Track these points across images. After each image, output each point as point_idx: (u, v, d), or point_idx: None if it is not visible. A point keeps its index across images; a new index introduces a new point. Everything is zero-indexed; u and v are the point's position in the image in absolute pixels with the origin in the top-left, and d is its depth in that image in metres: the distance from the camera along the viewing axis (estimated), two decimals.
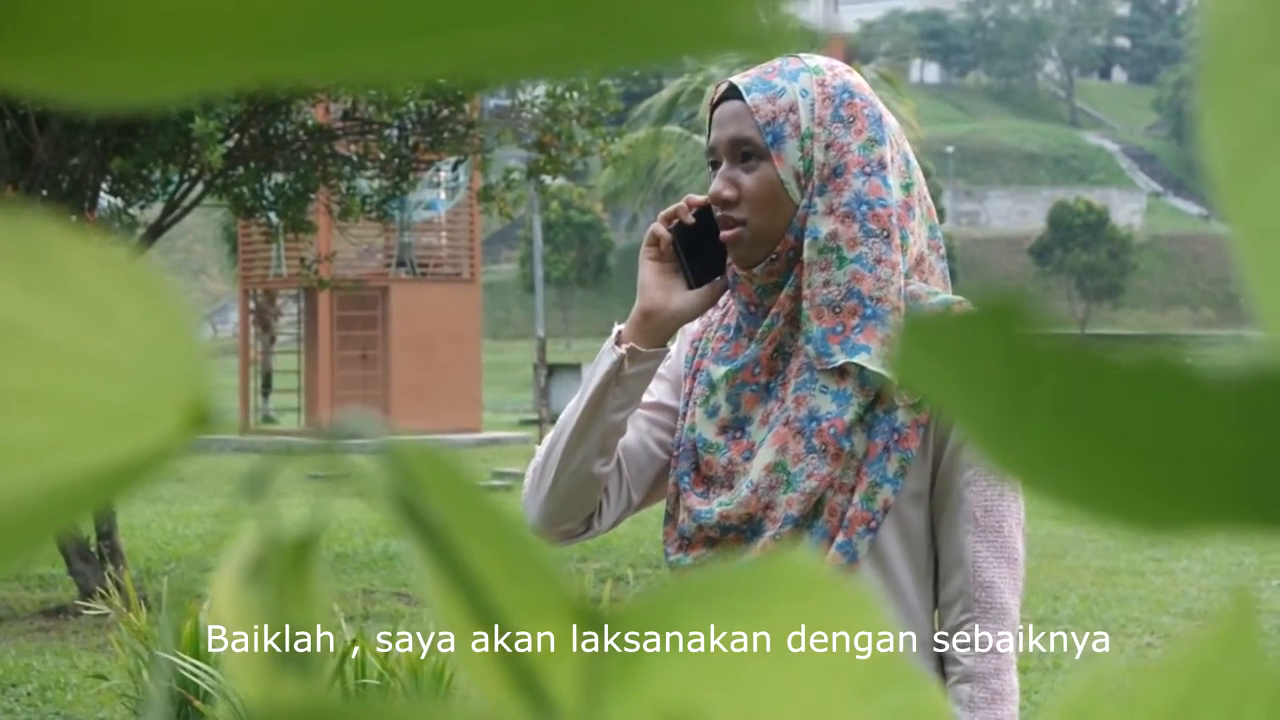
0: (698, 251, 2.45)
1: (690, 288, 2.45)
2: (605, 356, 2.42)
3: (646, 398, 2.51)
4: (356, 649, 6.50)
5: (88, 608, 8.94)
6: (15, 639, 10.18)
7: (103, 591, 8.08)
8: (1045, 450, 0.32)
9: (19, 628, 10.59)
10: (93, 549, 10.99)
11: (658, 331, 2.43)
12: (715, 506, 2.42)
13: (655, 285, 2.44)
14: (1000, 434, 0.32)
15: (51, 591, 11.71)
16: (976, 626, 2.36)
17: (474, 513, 0.38)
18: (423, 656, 6.42)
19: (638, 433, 2.51)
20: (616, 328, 2.46)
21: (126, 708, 7.79)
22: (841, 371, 2.38)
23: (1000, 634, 2.36)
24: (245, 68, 0.34)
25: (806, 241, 2.39)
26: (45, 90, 0.34)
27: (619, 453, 2.48)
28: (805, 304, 2.39)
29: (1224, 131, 0.33)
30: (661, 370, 2.52)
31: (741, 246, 2.41)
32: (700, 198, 2.45)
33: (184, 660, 6.88)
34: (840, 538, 2.37)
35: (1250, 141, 0.33)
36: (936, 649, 2.40)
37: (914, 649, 2.38)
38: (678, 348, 2.56)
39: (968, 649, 2.36)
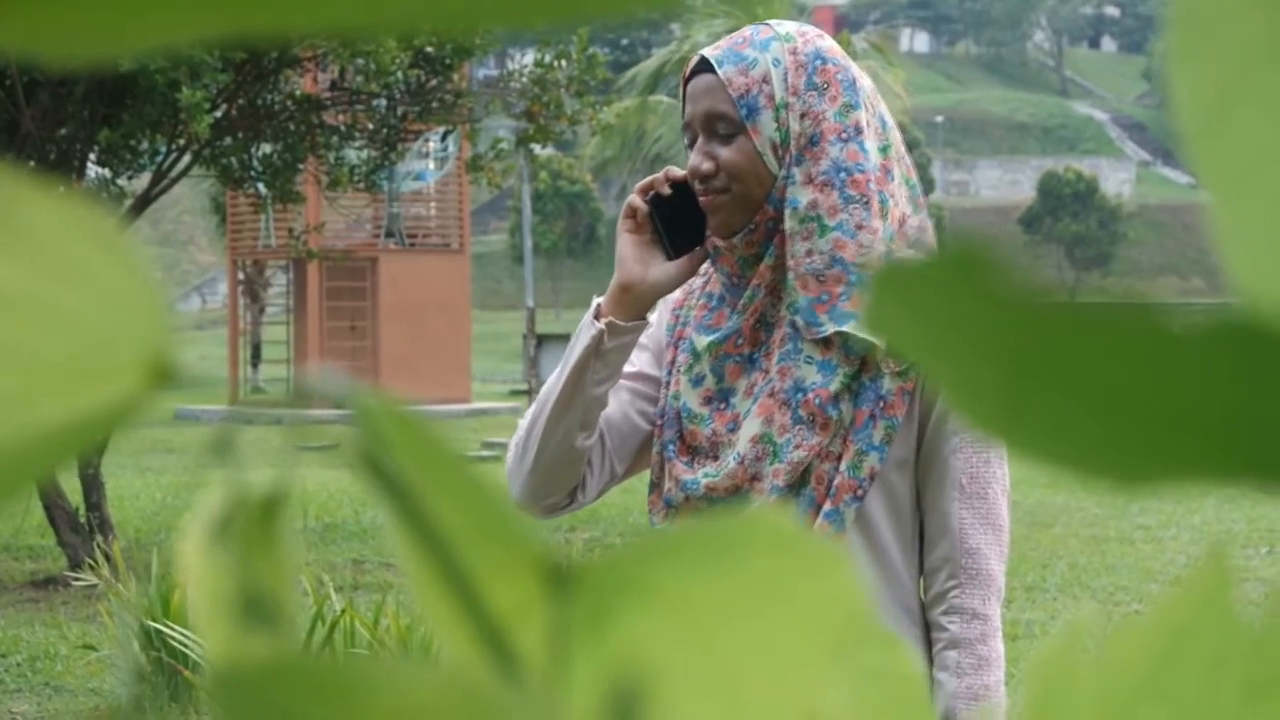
0: (676, 223, 2.44)
1: (669, 259, 2.44)
2: (585, 331, 2.41)
3: (628, 368, 2.50)
4: (345, 619, 6.51)
5: (77, 578, 8.95)
6: (4, 609, 10.19)
7: (92, 562, 8.08)
8: (1017, 402, 0.32)
9: (8, 598, 10.60)
10: (82, 520, 10.99)
11: (636, 304, 2.42)
12: (701, 478, 2.42)
13: (633, 258, 2.43)
14: (972, 386, 0.32)
15: (41, 562, 11.72)
16: (962, 593, 2.37)
17: (442, 470, 0.37)
18: (411, 626, 6.43)
19: (620, 403, 2.50)
20: (595, 301, 2.45)
21: (116, 678, 7.80)
22: (826, 341, 2.37)
23: (986, 600, 2.37)
24: (224, 16, 0.33)
25: (787, 212, 2.38)
26: (16, 43, 0.34)
27: (601, 424, 2.47)
28: (790, 274, 2.38)
29: (1194, 81, 0.33)
30: (643, 340, 2.51)
31: (721, 212, 2.41)
32: (680, 171, 2.44)
33: (173, 630, 6.88)
34: (827, 506, 2.37)
35: (1221, 91, 0.33)
36: (922, 615, 2.41)
37: (900, 615, 2.38)
38: (659, 316, 2.55)
39: (954, 615, 2.37)
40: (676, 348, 2.51)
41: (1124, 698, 0.42)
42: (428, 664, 0.34)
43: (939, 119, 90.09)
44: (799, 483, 2.39)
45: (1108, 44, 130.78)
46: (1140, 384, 0.31)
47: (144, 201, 11.62)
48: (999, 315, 0.31)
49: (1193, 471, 0.33)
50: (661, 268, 2.43)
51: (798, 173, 2.39)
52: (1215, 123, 0.33)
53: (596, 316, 2.41)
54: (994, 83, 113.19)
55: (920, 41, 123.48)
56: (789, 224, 2.38)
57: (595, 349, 2.39)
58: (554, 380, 2.43)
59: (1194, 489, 0.33)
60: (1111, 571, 11.32)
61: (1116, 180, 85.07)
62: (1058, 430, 0.32)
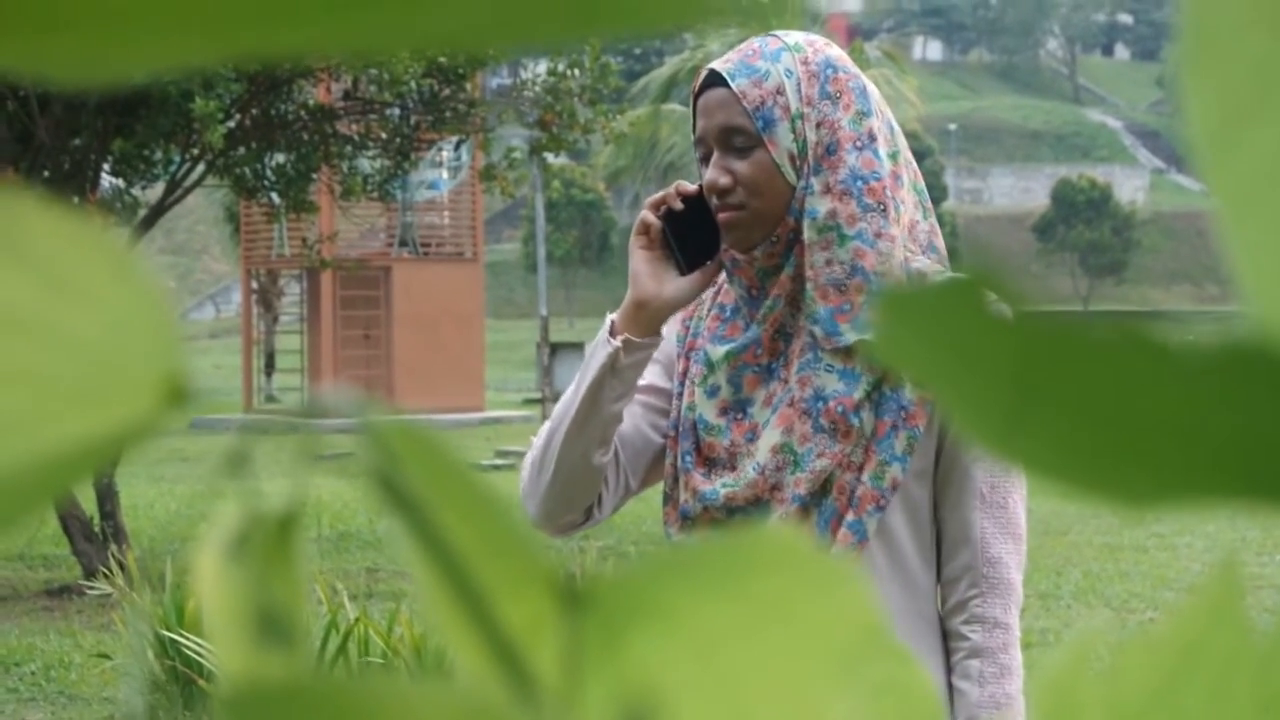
0: (688, 237, 2.42)
1: (682, 274, 2.42)
2: (600, 349, 2.39)
3: (639, 381, 2.49)
4: (360, 627, 6.52)
5: (91, 587, 8.96)
6: (19, 618, 10.20)
7: (106, 571, 8.09)
8: (1021, 421, 0.32)
9: (23, 607, 10.62)
10: (96, 529, 11.00)
11: (652, 320, 2.40)
12: (720, 488, 2.40)
13: (647, 274, 2.41)
14: (977, 405, 0.32)
15: (55, 571, 11.74)
16: (984, 602, 2.37)
17: (454, 488, 0.38)
18: (425, 635, 6.43)
19: (632, 417, 2.48)
20: (609, 318, 2.43)
21: (130, 687, 7.80)
22: (848, 349, 2.37)
23: (1007, 609, 2.38)
24: (241, 37, 0.34)
25: (806, 222, 2.38)
26: (32, 68, 0.34)
27: (615, 439, 2.45)
28: (809, 285, 2.37)
29: (1206, 98, 0.33)
30: (654, 353, 2.49)
31: (740, 229, 2.40)
32: (690, 185, 2.43)
33: (187, 639, 6.89)
34: (850, 516, 2.36)
35: (1234, 109, 0.33)
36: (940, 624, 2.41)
37: (920, 625, 2.38)
38: (669, 328, 2.54)
39: (976, 625, 2.37)
40: (688, 359, 2.50)
41: (1133, 710, 0.42)
42: (439, 680, 0.34)
43: (952, 127, 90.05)
44: (820, 493, 2.38)
45: (1121, 51, 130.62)
46: (1144, 402, 0.31)
47: (158, 211, 11.65)
48: (1003, 335, 0.31)
49: (1196, 491, 0.33)
50: (676, 283, 2.41)
51: (816, 182, 2.38)
52: (1226, 140, 0.33)
53: (611, 333, 2.40)
54: (1007, 90, 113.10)
55: (933, 49, 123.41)
56: (808, 234, 2.37)
57: (611, 367, 2.37)
58: (569, 399, 2.41)
59: (1198, 508, 0.33)
60: (1125, 579, 11.30)
61: (1130, 188, 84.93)
62: (1062, 448, 0.32)
